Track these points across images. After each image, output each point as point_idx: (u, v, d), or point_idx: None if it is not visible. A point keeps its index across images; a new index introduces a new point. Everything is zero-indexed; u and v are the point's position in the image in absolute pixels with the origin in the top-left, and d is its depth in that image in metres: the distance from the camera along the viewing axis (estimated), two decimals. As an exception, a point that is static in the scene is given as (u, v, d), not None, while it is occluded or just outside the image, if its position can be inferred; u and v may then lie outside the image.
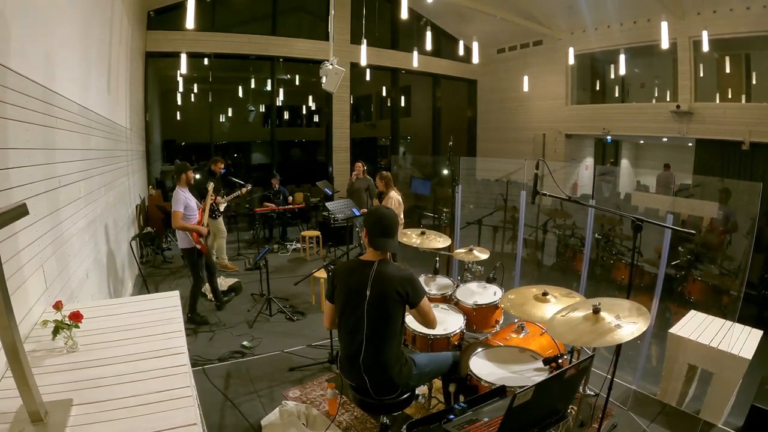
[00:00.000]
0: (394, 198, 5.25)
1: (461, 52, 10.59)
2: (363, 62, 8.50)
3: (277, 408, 2.99)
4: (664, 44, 6.78)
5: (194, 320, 4.59)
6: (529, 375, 2.23)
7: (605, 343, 1.89)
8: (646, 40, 8.81)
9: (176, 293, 2.32)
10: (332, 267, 2.49)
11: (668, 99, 9.58)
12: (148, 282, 5.38)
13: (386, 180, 5.37)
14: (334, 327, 2.37)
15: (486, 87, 12.88)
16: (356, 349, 2.17)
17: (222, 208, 6.30)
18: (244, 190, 6.61)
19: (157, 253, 6.88)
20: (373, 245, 2.22)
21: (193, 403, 1.44)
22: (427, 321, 2.28)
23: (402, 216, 5.27)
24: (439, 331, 2.77)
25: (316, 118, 16.20)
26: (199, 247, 4.50)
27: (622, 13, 9.04)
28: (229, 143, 14.89)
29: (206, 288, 5.10)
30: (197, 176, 5.21)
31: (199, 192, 5.19)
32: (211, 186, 5.01)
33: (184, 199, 4.46)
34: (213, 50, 9.18)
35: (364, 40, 8.22)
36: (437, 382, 2.87)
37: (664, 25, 6.71)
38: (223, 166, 6.42)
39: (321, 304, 5.06)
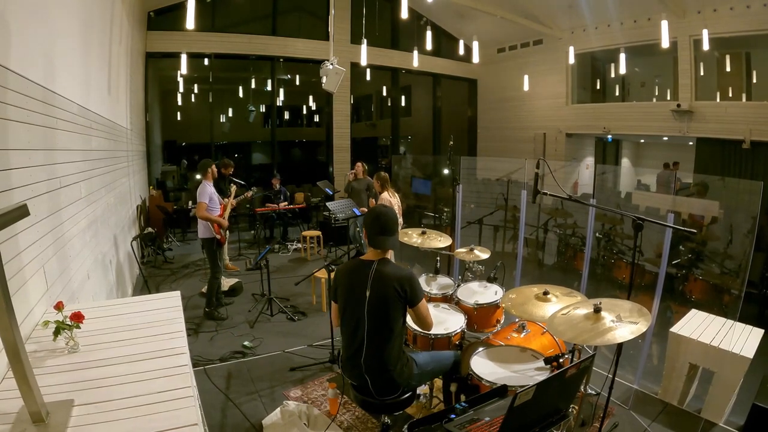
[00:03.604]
0: (385, 200, 5.22)
1: (461, 51, 10.57)
2: (363, 62, 8.49)
3: (279, 408, 2.99)
4: (665, 43, 6.77)
5: (212, 316, 4.64)
6: (531, 374, 2.23)
7: (606, 341, 1.88)
8: (646, 39, 8.79)
9: (177, 293, 2.32)
10: (333, 267, 2.50)
11: (669, 98, 9.58)
12: (149, 282, 5.39)
13: (382, 181, 5.34)
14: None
15: (486, 86, 12.87)
16: (357, 348, 2.17)
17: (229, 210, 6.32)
18: (249, 194, 6.64)
19: (158, 254, 6.89)
20: (373, 244, 2.23)
21: (194, 404, 1.44)
22: (424, 323, 2.29)
23: (399, 218, 5.22)
24: (440, 330, 2.78)
25: (316, 118, 16.19)
26: (218, 237, 4.67)
27: (622, 12, 9.03)
28: (230, 143, 14.89)
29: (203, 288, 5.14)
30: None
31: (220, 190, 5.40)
32: (233, 189, 5.35)
33: (209, 192, 4.66)
34: (213, 50, 9.18)
35: (364, 40, 8.21)
36: (438, 382, 2.87)
37: (665, 24, 6.70)
38: (232, 170, 6.44)
39: (322, 304, 5.07)
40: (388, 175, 5.50)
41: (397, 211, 5.21)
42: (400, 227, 5.10)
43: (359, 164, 7.12)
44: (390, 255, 2.31)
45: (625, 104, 10.58)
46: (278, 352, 3.98)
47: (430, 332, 2.74)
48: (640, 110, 9.77)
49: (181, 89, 12.47)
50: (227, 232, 4.91)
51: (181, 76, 10.95)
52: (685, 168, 9.44)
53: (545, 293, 2.59)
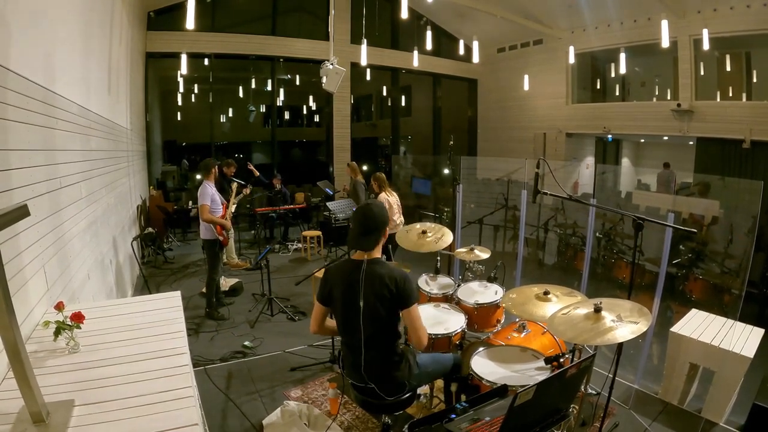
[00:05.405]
0: (383, 200, 5.22)
1: (461, 51, 10.58)
2: (363, 62, 8.50)
3: (279, 408, 2.99)
4: (665, 43, 6.77)
5: (212, 316, 4.65)
6: (531, 374, 2.22)
7: (606, 341, 1.88)
8: (646, 39, 8.79)
9: (177, 293, 2.32)
10: (328, 267, 2.38)
11: (669, 97, 9.57)
12: (149, 282, 5.39)
13: (379, 181, 5.35)
14: (321, 331, 2.25)
15: (486, 86, 12.87)
16: (357, 352, 2.12)
17: (233, 209, 6.32)
18: (246, 190, 6.62)
19: (158, 254, 6.89)
20: (354, 246, 2.15)
21: (194, 404, 1.45)
22: (415, 335, 2.08)
23: (396, 218, 5.23)
24: (440, 330, 2.77)
25: (316, 118, 16.22)
26: (221, 239, 4.65)
27: (622, 11, 9.03)
28: (230, 143, 14.91)
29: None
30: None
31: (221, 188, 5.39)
32: (234, 186, 5.30)
33: (211, 193, 4.61)
34: (213, 50, 9.19)
35: (364, 40, 8.21)
36: (439, 382, 2.87)
37: (665, 24, 6.70)
38: (234, 170, 6.44)
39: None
40: (387, 175, 5.50)
41: (396, 211, 5.23)
42: (401, 226, 5.12)
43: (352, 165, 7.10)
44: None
45: (625, 104, 10.57)
46: (278, 352, 3.98)
47: (429, 333, 2.74)
48: (640, 110, 9.76)
49: (181, 89, 12.49)
50: (231, 231, 4.91)
51: (181, 76, 10.97)
52: (685, 168, 9.43)
53: (546, 293, 2.59)
